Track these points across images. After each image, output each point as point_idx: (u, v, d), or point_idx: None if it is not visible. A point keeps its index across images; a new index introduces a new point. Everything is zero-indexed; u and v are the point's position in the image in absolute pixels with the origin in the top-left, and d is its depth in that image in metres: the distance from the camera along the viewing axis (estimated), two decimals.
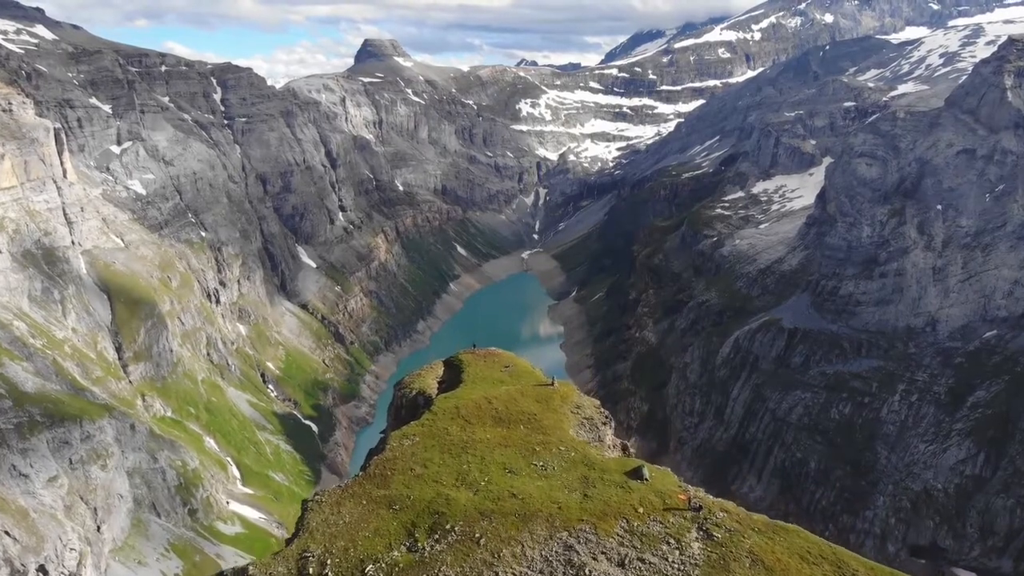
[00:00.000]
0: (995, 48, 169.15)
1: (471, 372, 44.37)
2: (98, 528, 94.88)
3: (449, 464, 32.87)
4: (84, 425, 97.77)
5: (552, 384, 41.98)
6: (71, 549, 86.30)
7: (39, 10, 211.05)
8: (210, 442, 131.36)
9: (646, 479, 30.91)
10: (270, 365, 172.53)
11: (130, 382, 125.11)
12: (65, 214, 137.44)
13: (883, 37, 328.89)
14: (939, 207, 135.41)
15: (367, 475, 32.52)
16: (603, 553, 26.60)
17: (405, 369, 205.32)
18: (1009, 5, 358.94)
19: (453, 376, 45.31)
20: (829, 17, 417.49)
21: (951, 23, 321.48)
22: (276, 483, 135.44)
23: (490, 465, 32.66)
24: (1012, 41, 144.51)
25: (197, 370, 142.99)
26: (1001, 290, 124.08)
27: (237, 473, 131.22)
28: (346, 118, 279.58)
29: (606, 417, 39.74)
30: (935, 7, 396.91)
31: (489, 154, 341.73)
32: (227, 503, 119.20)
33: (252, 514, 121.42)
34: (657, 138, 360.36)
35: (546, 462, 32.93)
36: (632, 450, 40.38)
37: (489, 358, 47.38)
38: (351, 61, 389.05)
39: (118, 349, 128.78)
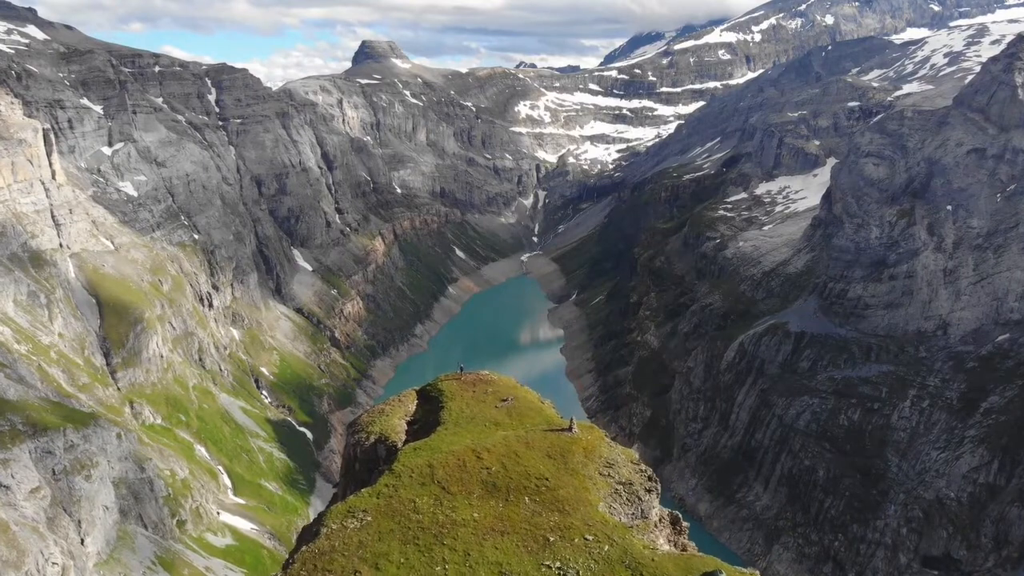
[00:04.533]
0: (1001, 47, 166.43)
1: (454, 408, 32.54)
2: (82, 541, 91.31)
3: (414, 563, 22.00)
4: (68, 434, 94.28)
5: (571, 429, 29.78)
6: (53, 563, 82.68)
7: (31, 10, 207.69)
8: (201, 450, 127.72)
9: None
10: (264, 370, 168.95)
11: (118, 389, 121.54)
12: (53, 216, 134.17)
13: (885, 38, 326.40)
14: (949, 208, 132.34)
15: None
16: None
17: (402, 374, 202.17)
18: (1011, 6, 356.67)
19: (429, 413, 33.41)
20: (830, 19, 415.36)
21: (952, 24, 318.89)
22: (269, 492, 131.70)
23: (478, 567, 21.93)
24: (1022, 38, 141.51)
25: (188, 376, 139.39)
26: (1014, 292, 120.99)
27: (228, 482, 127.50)
28: (343, 120, 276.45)
29: (650, 479, 27.68)
30: (936, 8, 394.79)
31: (488, 156, 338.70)
32: (217, 514, 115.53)
33: (244, 525, 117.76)
34: (657, 140, 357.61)
35: (565, 561, 22.08)
36: (685, 523, 28.22)
37: (480, 387, 34.93)
38: (348, 64, 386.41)
39: (106, 355, 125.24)
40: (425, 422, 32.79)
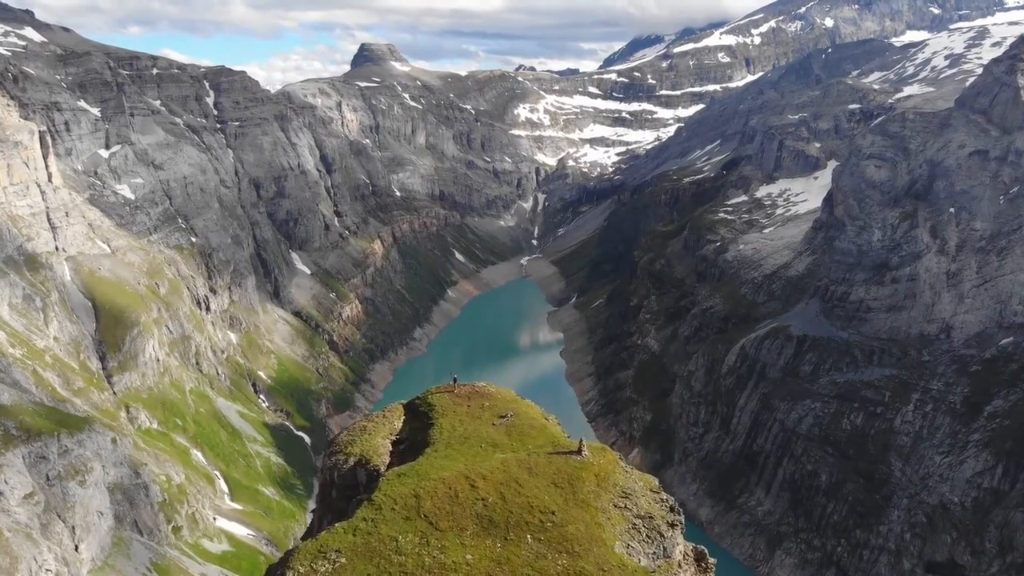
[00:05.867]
0: (1002, 49, 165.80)
1: (445, 426, 28.37)
2: (76, 547, 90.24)
3: None
4: (62, 439, 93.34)
5: (580, 452, 25.81)
6: (47, 570, 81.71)
7: (28, 12, 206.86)
8: (197, 455, 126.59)
9: None
10: (261, 374, 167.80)
11: (114, 393, 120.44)
12: (49, 219, 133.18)
13: (885, 40, 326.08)
14: (952, 210, 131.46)
15: None
16: None
17: (401, 378, 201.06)
18: (1010, 9, 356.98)
19: (417, 431, 29.26)
20: (829, 21, 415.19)
21: (952, 27, 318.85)
22: (266, 498, 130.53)
23: None
24: None
25: (185, 380, 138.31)
26: (1018, 295, 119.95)
27: (225, 487, 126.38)
28: (342, 122, 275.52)
29: (672, 511, 23.80)
30: (936, 11, 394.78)
31: (487, 159, 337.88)
32: (214, 519, 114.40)
33: (240, 531, 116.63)
34: (657, 143, 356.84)
35: None
36: (712, 560, 24.47)
37: (475, 401, 30.65)
38: (347, 67, 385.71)
39: (102, 359, 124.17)
40: (413, 442, 28.45)
